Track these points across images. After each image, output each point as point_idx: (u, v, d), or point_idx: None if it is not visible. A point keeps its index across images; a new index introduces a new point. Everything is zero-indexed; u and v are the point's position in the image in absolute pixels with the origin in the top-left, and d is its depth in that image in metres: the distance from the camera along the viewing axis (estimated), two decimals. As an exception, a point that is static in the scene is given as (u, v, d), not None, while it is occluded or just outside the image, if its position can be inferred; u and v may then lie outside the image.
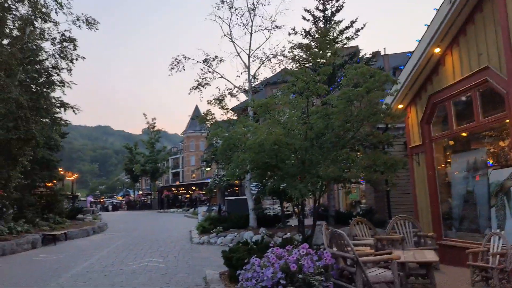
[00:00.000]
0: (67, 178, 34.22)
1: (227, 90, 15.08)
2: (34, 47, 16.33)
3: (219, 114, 16.43)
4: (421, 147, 9.24)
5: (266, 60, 15.55)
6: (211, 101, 10.62)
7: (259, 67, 15.85)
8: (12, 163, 15.67)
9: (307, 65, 13.23)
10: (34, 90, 16.11)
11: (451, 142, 9.01)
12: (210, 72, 15.42)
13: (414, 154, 9.57)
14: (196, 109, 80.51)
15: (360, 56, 14.62)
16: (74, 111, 16.72)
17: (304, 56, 13.89)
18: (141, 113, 78.21)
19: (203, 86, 15.28)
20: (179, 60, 15.42)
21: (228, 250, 7.41)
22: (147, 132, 49.19)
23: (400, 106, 9.74)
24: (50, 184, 22.48)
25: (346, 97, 7.28)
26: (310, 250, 5.29)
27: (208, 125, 9.57)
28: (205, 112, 9.58)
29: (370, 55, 14.74)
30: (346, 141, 8.16)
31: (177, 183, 63.46)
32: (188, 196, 47.33)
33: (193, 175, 72.77)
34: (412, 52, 9.04)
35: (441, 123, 8.95)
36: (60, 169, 31.39)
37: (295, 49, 13.43)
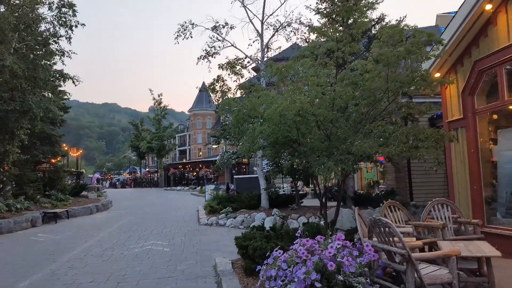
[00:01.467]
0: (71, 154, 33.52)
1: (238, 60, 13.85)
2: (32, 14, 15.16)
3: (231, 83, 15.16)
4: (462, 121, 8.07)
5: (281, 28, 14.24)
6: (223, 64, 9.47)
7: (273, 35, 14.55)
8: (9, 137, 14.76)
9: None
10: (31, 59, 15.01)
11: (496, 116, 7.84)
12: (219, 40, 14.19)
13: (452, 129, 8.41)
14: (203, 85, 79.55)
15: (386, 23, 13.23)
16: (74, 82, 15.66)
17: (322, 22, 12.57)
18: (148, 90, 75.87)
19: (211, 56, 14.07)
20: (186, 27, 14.16)
21: (242, 236, 6.41)
22: (153, 109, 48.08)
23: (437, 75, 8.54)
24: (53, 160, 21.65)
25: (384, 60, 6.11)
26: (348, 243, 4.25)
27: (218, 93, 8.42)
28: (216, 78, 8.40)
29: (399, 20, 13.27)
30: (377, 112, 7.05)
31: (184, 160, 62.78)
32: (194, 174, 46.62)
33: (200, 153, 72.10)
34: (456, 11, 7.78)
35: (487, 94, 7.75)
36: (64, 145, 30.65)
37: (317, 12, 12.00)
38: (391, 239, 4.46)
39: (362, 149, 5.52)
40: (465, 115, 7.98)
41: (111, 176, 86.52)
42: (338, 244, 4.18)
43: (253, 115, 7.03)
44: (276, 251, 4.34)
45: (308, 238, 4.38)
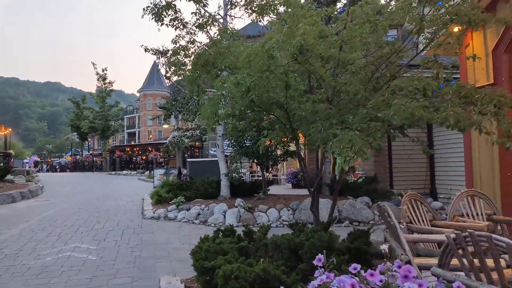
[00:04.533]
0: (-4, 132, 29.06)
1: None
2: None
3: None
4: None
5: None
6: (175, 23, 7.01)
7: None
8: None
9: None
10: None
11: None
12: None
13: (475, 100, 6.53)
14: (154, 64, 74.90)
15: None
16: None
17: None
18: (94, 69, 66.60)
19: (161, 9, 11.27)
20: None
21: (203, 247, 4.08)
22: (101, 89, 43.61)
23: (456, 29, 6.62)
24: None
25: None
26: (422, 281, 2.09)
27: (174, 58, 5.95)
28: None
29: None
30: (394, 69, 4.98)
31: (132, 143, 58.77)
32: (144, 157, 43.19)
33: (150, 136, 68.16)
34: None
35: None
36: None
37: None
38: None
39: (406, 111, 3.35)
40: (497, 80, 6.12)
41: (51, 159, 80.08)
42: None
43: (219, 63, 4.69)
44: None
45: (348, 277, 2.16)
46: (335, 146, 3.35)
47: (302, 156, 15.18)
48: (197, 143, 36.15)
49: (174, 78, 11.05)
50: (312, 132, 4.12)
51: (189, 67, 6.29)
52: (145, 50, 10.87)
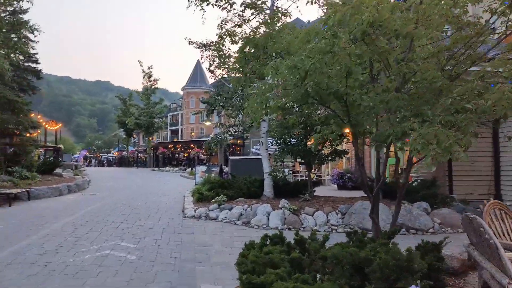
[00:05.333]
0: (48, 127, 30.31)
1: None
2: None
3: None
4: None
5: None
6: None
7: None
8: None
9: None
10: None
11: None
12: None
13: None
14: (198, 63, 75.78)
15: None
16: (32, 32, 12.48)
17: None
18: (140, 66, 67.74)
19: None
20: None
21: (249, 259, 3.55)
22: (146, 87, 44.48)
23: None
24: (17, 132, 18.56)
25: None
26: None
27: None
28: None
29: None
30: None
31: (175, 140, 59.77)
32: (186, 154, 43.65)
33: (193, 133, 69.05)
34: None
35: None
36: (39, 116, 27.48)
37: None
38: None
39: None
40: None
41: (100, 154, 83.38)
42: None
43: (271, 46, 4.13)
44: None
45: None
46: (417, 143, 2.70)
47: (351, 155, 14.25)
48: (238, 141, 35.96)
49: (218, 72, 10.71)
50: (380, 127, 3.47)
51: (235, 56, 5.77)
52: (189, 43, 10.57)
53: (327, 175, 19.81)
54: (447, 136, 2.55)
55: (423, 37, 3.47)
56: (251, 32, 4.61)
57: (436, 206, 9.21)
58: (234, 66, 4.65)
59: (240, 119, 11.61)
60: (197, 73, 73.31)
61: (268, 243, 4.37)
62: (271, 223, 8.59)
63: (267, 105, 3.85)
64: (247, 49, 4.34)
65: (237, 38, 5.61)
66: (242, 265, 3.36)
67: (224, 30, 5.92)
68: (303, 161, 11.01)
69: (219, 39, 5.84)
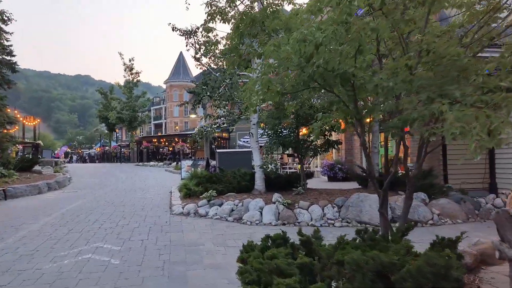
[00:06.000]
0: (26, 123, 29.10)
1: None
2: None
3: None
4: None
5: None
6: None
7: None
8: None
9: None
10: None
11: None
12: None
13: None
14: (181, 55, 74.41)
15: None
16: (3, 19, 11.63)
17: None
18: (121, 59, 64.69)
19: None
20: None
21: (249, 262, 3.09)
22: (128, 80, 43.20)
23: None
24: None
25: None
26: None
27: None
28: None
29: None
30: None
31: (159, 134, 58.74)
32: (170, 148, 42.81)
33: (177, 127, 68.05)
34: None
35: None
36: (16, 111, 26.29)
37: None
38: None
39: None
40: None
41: (81, 150, 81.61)
42: None
43: (269, 23, 3.63)
44: None
45: None
46: (456, 127, 2.26)
47: (342, 146, 13.85)
48: (224, 134, 35.35)
49: (204, 60, 10.12)
50: (393, 111, 3.02)
51: (225, 41, 5.24)
52: (173, 29, 9.93)
53: (316, 166, 19.48)
54: (496, 117, 2.13)
55: (446, 1, 3.02)
56: (246, 8, 4.12)
57: (434, 196, 8.92)
58: (227, 47, 4.12)
59: (228, 109, 11.06)
60: (180, 66, 72.18)
61: (269, 243, 3.92)
62: (264, 218, 8.14)
63: (269, 88, 3.36)
64: (242, 26, 3.86)
65: (229, 16, 5.09)
66: (245, 274, 2.89)
67: (213, 8, 5.39)
68: (295, 152, 10.57)
69: (208, 17, 5.32)
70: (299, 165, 18.31)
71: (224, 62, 10.61)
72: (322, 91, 4.72)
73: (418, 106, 2.88)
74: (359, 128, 4.54)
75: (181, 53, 73.98)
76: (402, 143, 4.45)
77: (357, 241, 3.84)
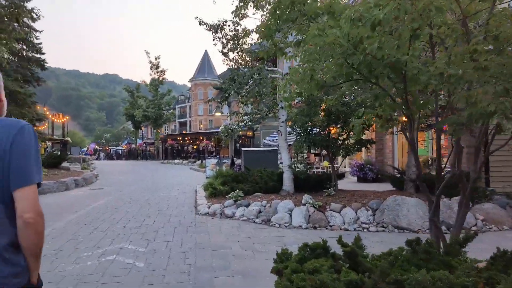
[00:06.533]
0: (55, 120, 29.67)
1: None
2: None
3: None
4: None
5: None
6: None
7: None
8: None
9: None
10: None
11: None
12: None
13: None
14: (206, 54, 74.66)
15: None
16: (31, 15, 11.67)
17: None
18: (147, 57, 65.27)
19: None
20: None
21: (294, 285, 2.70)
22: (153, 78, 43.46)
23: None
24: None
25: None
26: None
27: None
28: None
29: None
30: None
31: (184, 132, 59.09)
32: (195, 147, 42.89)
33: (201, 125, 68.36)
34: None
35: None
36: (44, 108, 26.83)
37: None
38: None
39: None
40: None
41: (109, 147, 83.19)
42: None
43: (311, 7, 3.23)
44: None
45: None
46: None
47: (372, 146, 13.24)
48: (248, 133, 35.05)
49: (231, 55, 9.79)
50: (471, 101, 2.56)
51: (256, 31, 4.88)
52: (200, 23, 9.64)
53: (344, 166, 18.89)
54: None
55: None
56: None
57: (477, 200, 8.28)
58: (258, 37, 3.74)
59: (256, 106, 10.69)
60: (204, 64, 72.52)
61: (307, 252, 3.52)
62: (293, 221, 7.74)
63: (312, 77, 2.97)
64: (280, 10, 3.49)
65: (262, 2, 4.73)
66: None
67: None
68: (326, 152, 10.11)
69: (240, 3, 4.99)
70: (326, 165, 17.82)
71: (250, 58, 10.25)
72: (353, 86, 4.30)
73: (484, 98, 2.41)
74: (408, 125, 4.08)
75: (206, 51, 74.29)
76: (457, 143, 3.95)
77: (404, 252, 3.40)
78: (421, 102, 3.63)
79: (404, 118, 4.28)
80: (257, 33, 5.27)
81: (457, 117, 3.27)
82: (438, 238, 4.05)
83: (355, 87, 4.29)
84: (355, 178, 14.94)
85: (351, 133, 9.07)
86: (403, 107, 3.81)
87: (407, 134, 4.70)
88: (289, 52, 3.73)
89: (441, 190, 3.95)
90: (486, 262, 4.00)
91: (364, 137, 10.28)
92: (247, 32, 7.33)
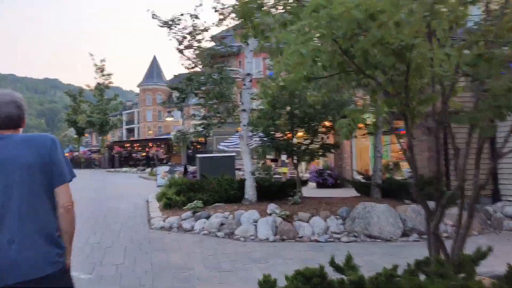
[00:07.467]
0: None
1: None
2: None
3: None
4: None
5: None
6: None
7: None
8: None
9: None
10: None
11: None
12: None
13: None
14: (154, 59, 72.63)
15: None
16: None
17: None
18: (92, 60, 61.37)
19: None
20: None
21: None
22: (98, 82, 41.00)
23: None
24: None
25: None
26: None
27: None
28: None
29: None
30: None
31: (132, 139, 56.69)
32: (144, 154, 41.00)
33: (150, 132, 66.08)
34: None
35: None
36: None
37: None
38: None
39: None
40: None
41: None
42: None
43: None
44: None
45: None
46: None
47: (337, 148, 12.94)
48: (200, 139, 34.01)
49: (188, 53, 8.99)
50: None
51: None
52: (153, 17, 8.77)
53: (301, 172, 18.58)
54: None
55: None
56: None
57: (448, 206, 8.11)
58: (239, 10, 3.07)
59: (216, 108, 9.96)
60: (153, 70, 70.75)
61: (298, 280, 2.87)
62: (259, 233, 7.07)
63: (315, 58, 2.36)
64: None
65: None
66: None
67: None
68: (285, 156, 9.59)
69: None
70: (285, 171, 17.39)
71: (208, 56, 9.55)
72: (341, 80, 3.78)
73: None
74: (406, 124, 3.58)
75: (154, 56, 72.97)
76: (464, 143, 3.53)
77: (408, 270, 2.88)
78: (424, 98, 3.15)
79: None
80: (233, 12, 4.63)
81: (476, 113, 2.81)
82: (438, 252, 3.60)
83: (342, 81, 3.75)
84: (314, 184, 14.62)
85: (318, 135, 8.66)
86: (402, 102, 3.31)
87: (398, 134, 4.25)
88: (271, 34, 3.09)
89: (447, 201, 3.49)
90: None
91: (328, 141, 9.92)
92: (206, 28, 6.69)
